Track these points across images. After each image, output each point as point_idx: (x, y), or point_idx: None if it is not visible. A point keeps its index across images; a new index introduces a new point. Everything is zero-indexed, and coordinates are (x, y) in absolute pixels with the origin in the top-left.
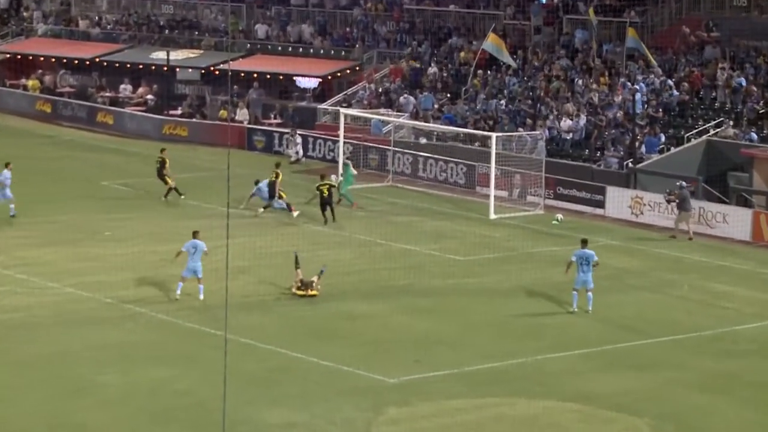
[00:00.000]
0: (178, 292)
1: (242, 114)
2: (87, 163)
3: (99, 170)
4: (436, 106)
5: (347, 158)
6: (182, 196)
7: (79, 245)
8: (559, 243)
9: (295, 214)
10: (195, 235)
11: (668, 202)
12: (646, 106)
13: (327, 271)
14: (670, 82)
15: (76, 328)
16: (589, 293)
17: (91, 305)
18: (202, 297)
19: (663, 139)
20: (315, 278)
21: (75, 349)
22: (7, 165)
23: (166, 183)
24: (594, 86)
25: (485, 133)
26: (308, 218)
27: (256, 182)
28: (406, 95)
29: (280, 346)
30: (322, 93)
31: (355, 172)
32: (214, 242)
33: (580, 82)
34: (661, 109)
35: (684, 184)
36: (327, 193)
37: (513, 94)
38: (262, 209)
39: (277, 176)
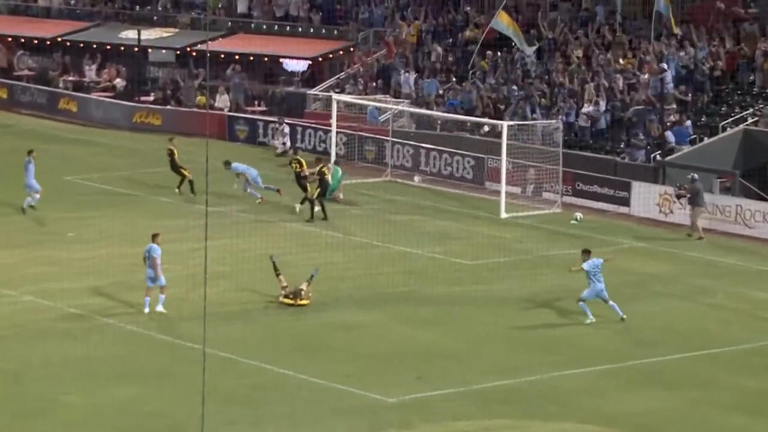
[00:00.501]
0: (147, 308)
1: (222, 100)
2: (48, 155)
3: (62, 163)
4: (440, 91)
5: (335, 162)
6: (195, 194)
7: (39, 248)
8: (578, 245)
9: (299, 206)
10: (153, 238)
11: (678, 197)
12: (675, 91)
13: (318, 275)
14: (703, 67)
15: (35, 341)
16: (611, 302)
17: (52, 315)
18: (159, 308)
19: (689, 125)
20: (304, 285)
21: (35, 365)
22: (29, 152)
23: (181, 175)
24: (618, 66)
25: (495, 121)
26: (301, 216)
27: (227, 163)
28: (406, 72)
29: (265, 361)
30: (312, 77)
31: (340, 172)
32: (191, 244)
33: (602, 62)
34: (690, 94)
35: (695, 176)
36: (328, 173)
37: (526, 77)
38: (299, 205)
39: (300, 165)
